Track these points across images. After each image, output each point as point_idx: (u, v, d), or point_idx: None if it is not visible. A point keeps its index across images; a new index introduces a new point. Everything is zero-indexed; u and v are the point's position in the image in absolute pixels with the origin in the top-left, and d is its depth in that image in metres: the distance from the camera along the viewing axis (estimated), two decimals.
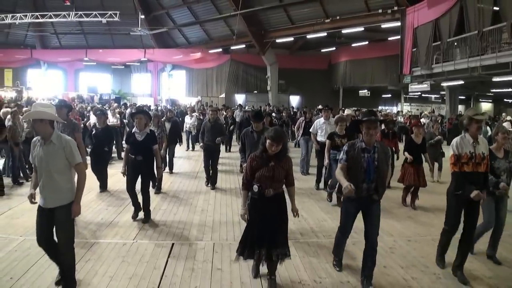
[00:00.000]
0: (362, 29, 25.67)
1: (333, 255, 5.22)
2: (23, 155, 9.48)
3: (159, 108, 23.85)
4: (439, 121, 18.79)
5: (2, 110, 10.50)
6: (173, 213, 7.52)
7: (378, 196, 4.56)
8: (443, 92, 26.90)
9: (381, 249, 5.27)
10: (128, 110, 17.72)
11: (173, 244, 5.87)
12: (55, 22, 31.48)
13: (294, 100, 36.42)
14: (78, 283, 4.46)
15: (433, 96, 33.71)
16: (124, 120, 14.95)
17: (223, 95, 34.26)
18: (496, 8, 16.80)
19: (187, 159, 14.25)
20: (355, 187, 4.34)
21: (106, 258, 5.25)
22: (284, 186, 4.65)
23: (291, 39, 30.47)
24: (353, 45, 31.37)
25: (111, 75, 40.28)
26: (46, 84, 35.97)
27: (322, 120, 9.95)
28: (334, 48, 33.27)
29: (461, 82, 21.03)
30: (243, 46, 32.64)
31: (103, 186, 8.96)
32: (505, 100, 36.75)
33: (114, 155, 12.33)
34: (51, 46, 37.09)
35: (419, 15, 21.31)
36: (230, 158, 14.11)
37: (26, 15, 28.59)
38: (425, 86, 22.46)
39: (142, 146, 6.88)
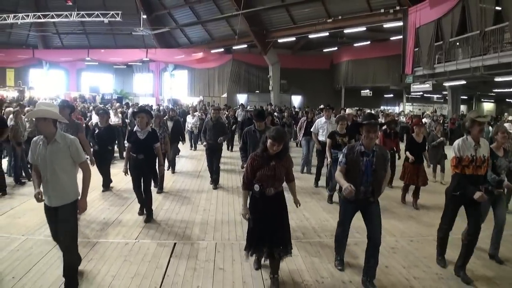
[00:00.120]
0: (364, 29, 25.60)
1: (335, 254, 5.22)
2: (25, 154, 9.48)
3: (161, 108, 23.84)
4: (441, 121, 18.77)
5: (5, 110, 10.53)
6: (175, 212, 7.53)
7: (374, 198, 4.60)
8: (445, 92, 26.91)
9: (383, 249, 5.26)
10: (130, 110, 17.70)
11: (175, 243, 5.88)
12: (57, 22, 31.49)
13: (296, 100, 36.41)
14: (80, 282, 4.48)
15: (435, 96, 33.70)
16: (126, 120, 14.95)
17: (225, 95, 34.25)
18: (498, 8, 16.75)
19: (189, 158, 14.26)
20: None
21: (109, 258, 5.26)
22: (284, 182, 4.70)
23: (293, 39, 30.44)
24: (355, 45, 31.35)
25: (113, 75, 40.39)
26: (48, 84, 35.99)
27: (323, 119, 9.95)
28: (336, 48, 33.24)
29: (463, 82, 21.00)
30: (245, 46, 32.63)
31: (106, 186, 8.99)
32: (507, 100, 36.70)
33: (116, 154, 12.33)
34: (53, 46, 37.14)
35: (421, 15, 21.25)
36: (232, 157, 14.12)
37: (28, 15, 28.63)
38: (427, 86, 22.42)
39: (144, 145, 6.90)
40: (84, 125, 10.17)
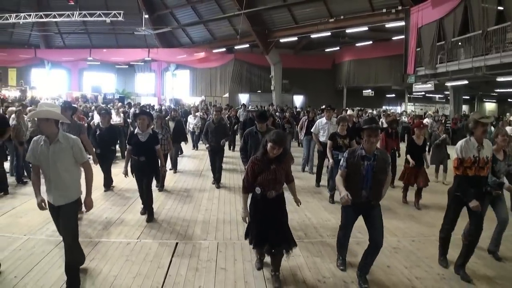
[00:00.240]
0: (366, 28, 25.58)
1: (337, 254, 5.23)
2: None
3: (163, 108, 23.86)
4: (443, 121, 18.74)
5: (7, 110, 10.55)
6: (177, 212, 7.53)
7: (375, 202, 4.59)
8: (447, 92, 26.85)
9: (385, 249, 5.26)
10: (132, 110, 17.74)
11: (177, 243, 5.88)
12: (59, 22, 31.53)
13: (298, 100, 36.38)
14: (82, 281, 4.49)
15: (437, 96, 33.68)
16: (128, 120, 14.96)
17: (226, 95, 34.23)
18: (500, 8, 16.73)
19: (191, 158, 14.27)
20: (354, 194, 4.41)
21: (111, 257, 5.27)
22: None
23: (295, 38, 30.41)
24: (357, 44, 31.31)
25: (115, 74, 40.47)
26: (50, 84, 36.04)
27: (324, 120, 9.95)
28: (338, 48, 33.20)
29: (465, 82, 20.97)
30: (247, 45, 32.62)
31: (107, 185, 9.00)
32: (509, 100, 36.67)
33: (118, 154, 12.34)
34: (55, 46, 37.21)
35: (423, 14, 21.22)
36: (234, 157, 14.11)
37: (30, 15, 28.66)
38: (429, 86, 22.40)
39: (145, 147, 6.93)
40: (86, 124, 10.18)
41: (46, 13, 28.76)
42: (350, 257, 5.31)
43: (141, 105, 22.11)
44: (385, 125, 11.23)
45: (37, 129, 8.83)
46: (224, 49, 33.92)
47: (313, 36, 28.38)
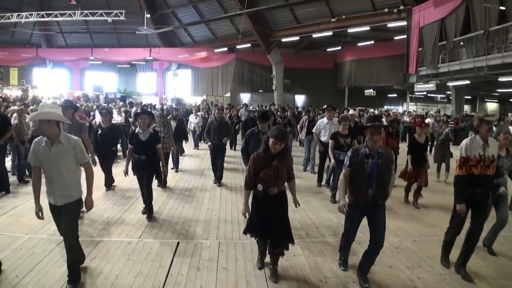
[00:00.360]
0: (368, 28, 25.45)
1: (339, 255, 5.21)
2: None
3: (165, 107, 23.87)
4: (446, 120, 18.70)
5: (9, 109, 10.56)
6: (178, 211, 7.53)
7: (382, 201, 4.55)
8: (449, 92, 26.80)
9: (387, 249, 5.25)
10: (133, 109, 17.75)
11: (178, 242, 5.88)
12: (61, 21, 31.62)
13: (300, 100, 36.33)
14: (83, 281, 4.50)
15: (439, 96, 33.58)
16: (130, 119, 14.96)
17: (228, 94, 34.23)
18: (502, 8, 16.71)
19: (192, 157, 14.26)
20: (359, 193, 4.45)
21: (112, 257, 5.27)
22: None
23: (297, 38, 30.32)
24: (358, 44, 31.19)
25: (117, 74, 40.49)
26: (51, 83, 36.14)
27: (325, 120, 9.94)
28: (339, 48, 33.06)
29: (467, 82, 20.93)
30: (249, 45, 32.57)
31: (108, 185, 8.99)
32: (510, 100, 36.54)
33: (120, 153, 12.33)
34: (56, 45, 37.22)
35: (425, 14, 21.21)
36: (235, 156, 14.09)
37: (32, 14, 28.70)
38: (431, 85, 22.35)
39: (146, 146, 6.96)
40: (87, 124, 10.17)
41: (47, 13, 28.79)
42: (352, 256, 5.28)
43: (142, 104, 22.14)
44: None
45: (38, 128, 8.84)
46: (225, 49, 33.86)
47: (314, 35, 28.27)
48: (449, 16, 19.62)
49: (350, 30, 26.67)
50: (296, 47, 34.08)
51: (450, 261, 5.26)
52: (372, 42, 30.16)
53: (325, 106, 11.96)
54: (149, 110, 14.95)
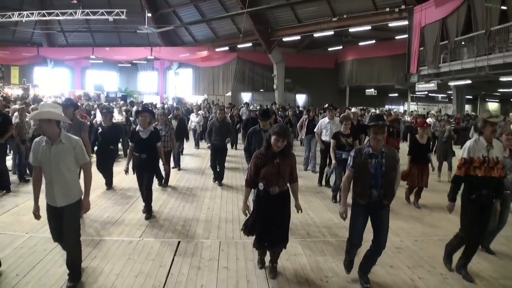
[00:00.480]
0: (369, 27, 25.46)
1: (345, 255, 4.99)
2: (29, 152, 9.48)
3: (166, 106, 23.88)
4: (447, 119, 18.70)
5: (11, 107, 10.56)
6: (179, 210, 7.53)
7: (388, 201, 4.47)
8: (450, 92, 26.78)
9: (388, 249, 5.23)
10: (134, 108, 17.74)
11: (179, 242, 5.87)
12: (62, 20, 31.57)
13: (301, 99, 36.36)
14: (83, 280, 4.50)
15: (440, 95, 33.55)
16: (131, 118, 14.96)
17: (229, 94, 34.24)
18: (503, 8, 16.69)
19: (193, 156, 14.27)
20: (364, 194, 4.40)
21: (112, 256, 5.26)
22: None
23: (298, 37, 30.32)
24: (360, 43, 31.21)
25: (118, 73, 40.47)
26: (52, 82, 36.12)
27: (326, 119, 9.91)
28: (341, 47, 33.12)
29: (468, 81, 20.92)
30: (250, 44, 32.61)
31: (109, 184, 8.99)
32: None
33: (121, 152, 12.34)
34: (57, 44, 37.18)
35: (427, 14, 21.20)
36: (236, 156, 14.11)
37: (33, 13, 28.67)
38: (432, 85, 22.33)
39: (146, 144, 6.96)
40: (88, 123, 10.17)
41: (49, 11, 28.77)
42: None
43: (143, 103, 22.14)
44: None
45: (39, 127, 8.84)
46: (226, 48, 33.88)
47: (316, 35, 28.29)
48: (450, 16, 19.61)
49: (351, 30, 26.71)
50: (297, 46, 34.10)
51: (452, 261, 5.21)
52: (373, 41, 30.18)
53: (326, 105, 11.94)
54: (150, 108, 14.96)
